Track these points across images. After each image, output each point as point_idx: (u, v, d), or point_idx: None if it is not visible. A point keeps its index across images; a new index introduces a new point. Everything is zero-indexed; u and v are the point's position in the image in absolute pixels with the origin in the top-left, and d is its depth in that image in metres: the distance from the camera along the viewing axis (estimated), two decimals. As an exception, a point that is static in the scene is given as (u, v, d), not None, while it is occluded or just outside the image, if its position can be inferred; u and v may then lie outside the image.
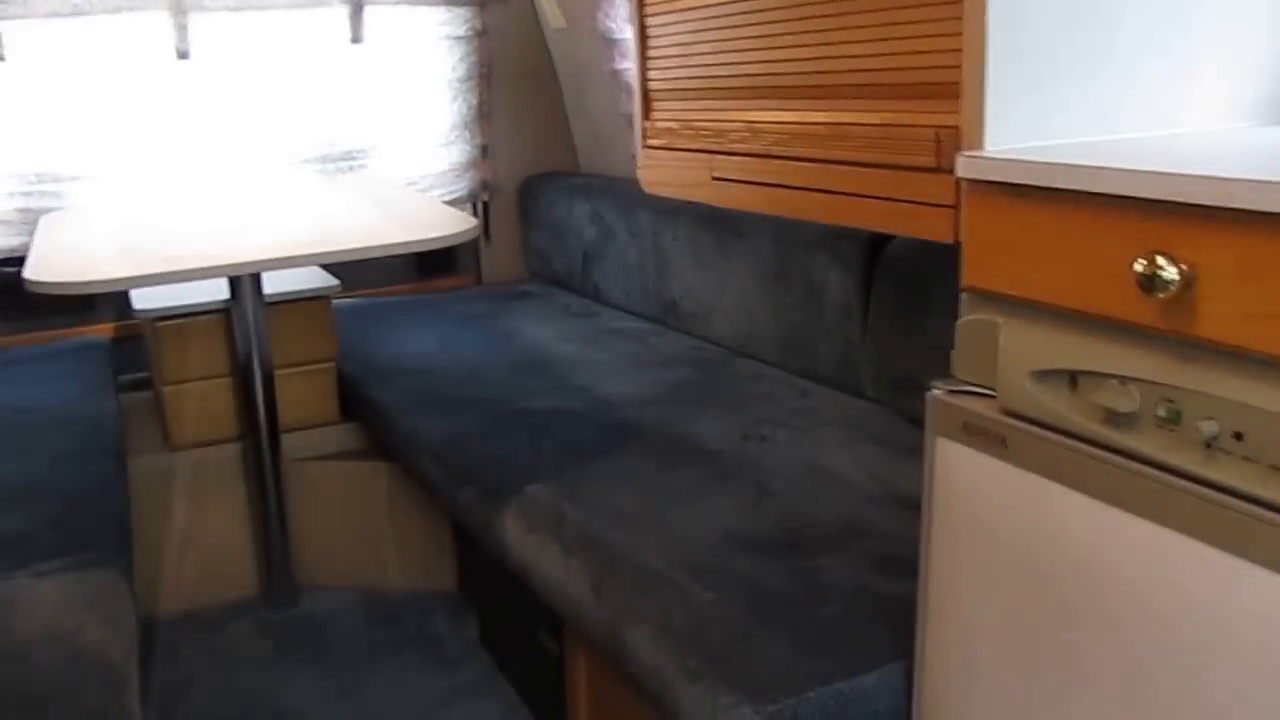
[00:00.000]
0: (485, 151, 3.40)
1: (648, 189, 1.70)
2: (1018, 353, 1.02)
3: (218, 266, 2.00)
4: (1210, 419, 0.84)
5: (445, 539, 2.69)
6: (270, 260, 2.01)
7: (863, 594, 1.41)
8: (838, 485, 1.75)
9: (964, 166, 1.02)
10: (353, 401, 2.66)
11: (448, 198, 3.34)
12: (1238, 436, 0.83)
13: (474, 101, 3.35)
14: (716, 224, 2.54)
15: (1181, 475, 0.87)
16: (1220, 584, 0.84)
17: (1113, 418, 0.92)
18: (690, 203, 2.30)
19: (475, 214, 3.48)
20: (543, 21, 3.31)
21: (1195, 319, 0.84)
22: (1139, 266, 0.85)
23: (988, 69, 1.02)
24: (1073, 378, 0.96)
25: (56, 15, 2.82)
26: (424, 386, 2.45)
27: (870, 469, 1.81)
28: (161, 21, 2.93)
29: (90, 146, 2.95)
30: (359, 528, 2.75)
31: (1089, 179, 0.89)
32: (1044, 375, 0.99)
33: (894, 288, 2.02)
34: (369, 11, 3.13)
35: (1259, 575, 0.81)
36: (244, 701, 2.27)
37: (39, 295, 2.98)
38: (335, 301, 3.13)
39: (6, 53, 2.81)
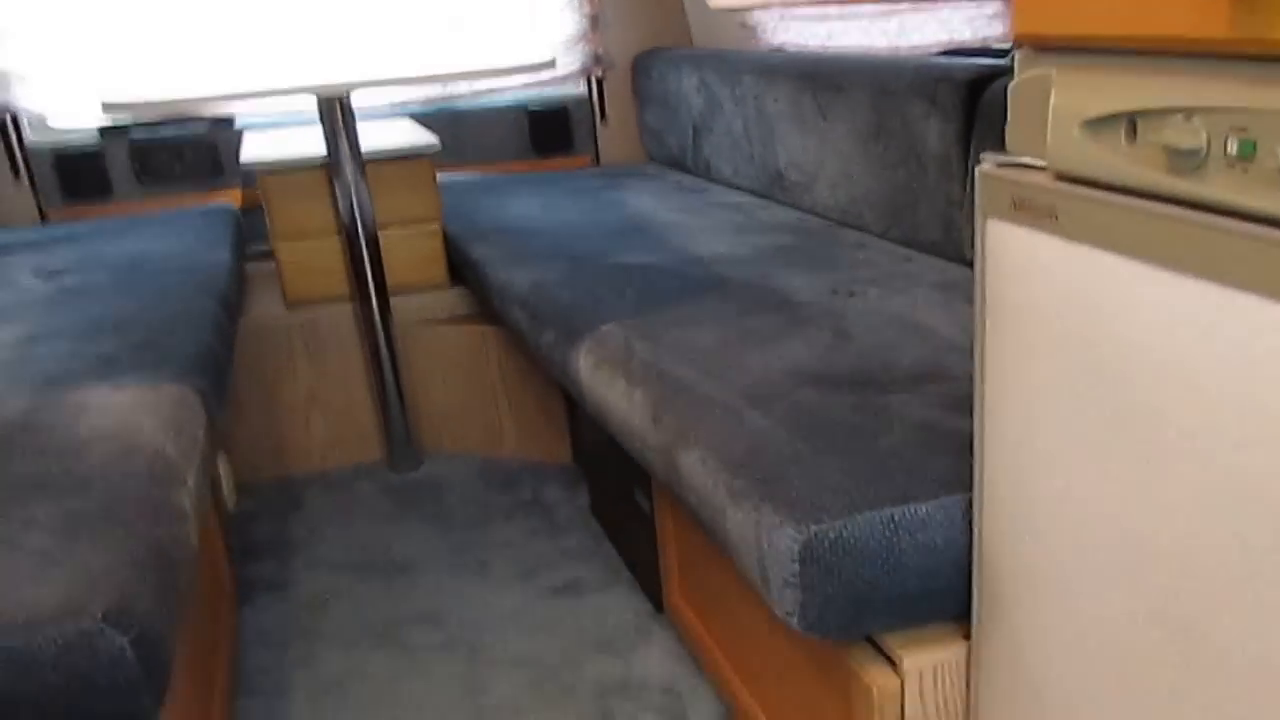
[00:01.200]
0: (595, 23, 3.29)
1: (711, 3, 1.58)
2: (1070, 105, 0.88)
3: (297, 88, 1.98)
4: (1286, 145, 0.71)
5: (557, 410, 2.68)
6: (336, 85, 1.97)
7: (928, 428, 1.30)
8: (922, 335, 1.63)
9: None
10: (461, 265, 2.65)
11: (559, 72, 3.27)
12: (1317, 162, 0.69)
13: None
14: (815, 81, 2.40)
15: (1255, 220, 0.74)
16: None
17: (1175, 161, 0.79)
18: (789, 62, 2.18)
19: (589, 91, 3.41)
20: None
21: (1271, 18, 0.70)
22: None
23: None
24: (1131, 123, 0.83)
25: None
26: (521, 244, 2.41)
27: (961, 324, 1.67)
28: None
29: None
30: (475, 395, 2.76)
31: None
32: (1099, 125, 0.86)
33: (994, 134, 1.87)
34: None
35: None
36: (363, 552, 2.35)
37: (173, 164, 3.09)
38: (449, 176, 3.12)
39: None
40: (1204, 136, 0.77)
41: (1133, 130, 0.83)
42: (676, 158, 3.23)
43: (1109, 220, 0.86)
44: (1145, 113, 0.82)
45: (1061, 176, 0.91)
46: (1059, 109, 0.90)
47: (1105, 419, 0.90)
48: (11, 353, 1.79)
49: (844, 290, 1.87)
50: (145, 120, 3.04)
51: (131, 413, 1.48)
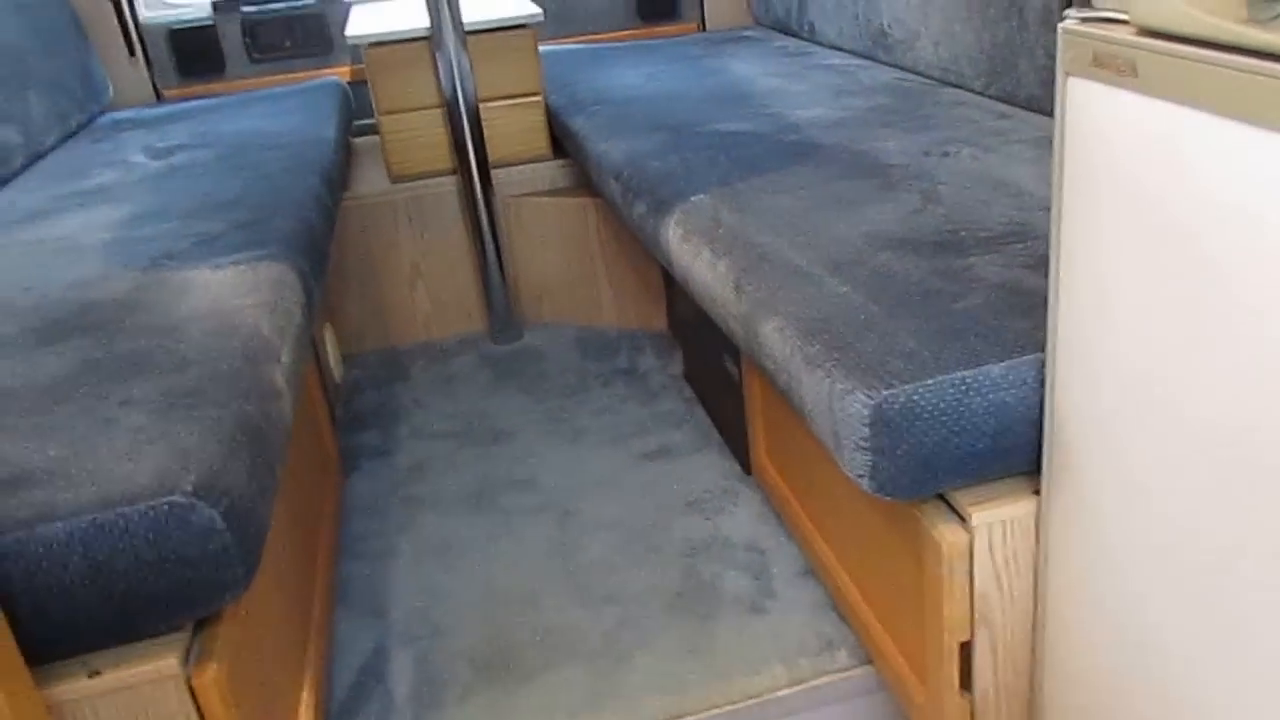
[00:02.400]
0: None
1: None
2: (1157, -46, 0.84)
3: None
4: (1366, -10, 0.67)
5: (654, 279, 2.69)
6: None
7: (1008, 289, 1.27)
8: (1012, 195, 1.58)
9: None
10: (562, 137, 2.64)
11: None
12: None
13: None
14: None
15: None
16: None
17: (1257, 11, 0.75)
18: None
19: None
20: None
21: None
22: None
23: None
24: (1215, -28, 0.79)
25: None
26: (619, 114, 2.39)
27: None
28: None
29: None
30: (575, 266, 2.78)
31: None
32: (1182, -25, 0.81)
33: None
34: None
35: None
36: (464, 421, 2.43)
37: (284, 39, 3.12)
38: (552, 45, 3.09)
39: None
40: (1286, -17, 0.72)
41: (1215, -22, 0.79)
42: (782, 20, 3.14)
43: (1191, 74, 0.82)
44: (1227, -41, 0.77)
45: (1143, 31, 0.87)
46: (1142, -41, 0.86)
47: (1179, 278, 0.87)
48: (120, 232, 1.85)
49: (937, 151, 1.83)
50: (256, -3, 3.08)
51: (230, 292, 1.52)
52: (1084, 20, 0.94)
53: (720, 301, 1.52)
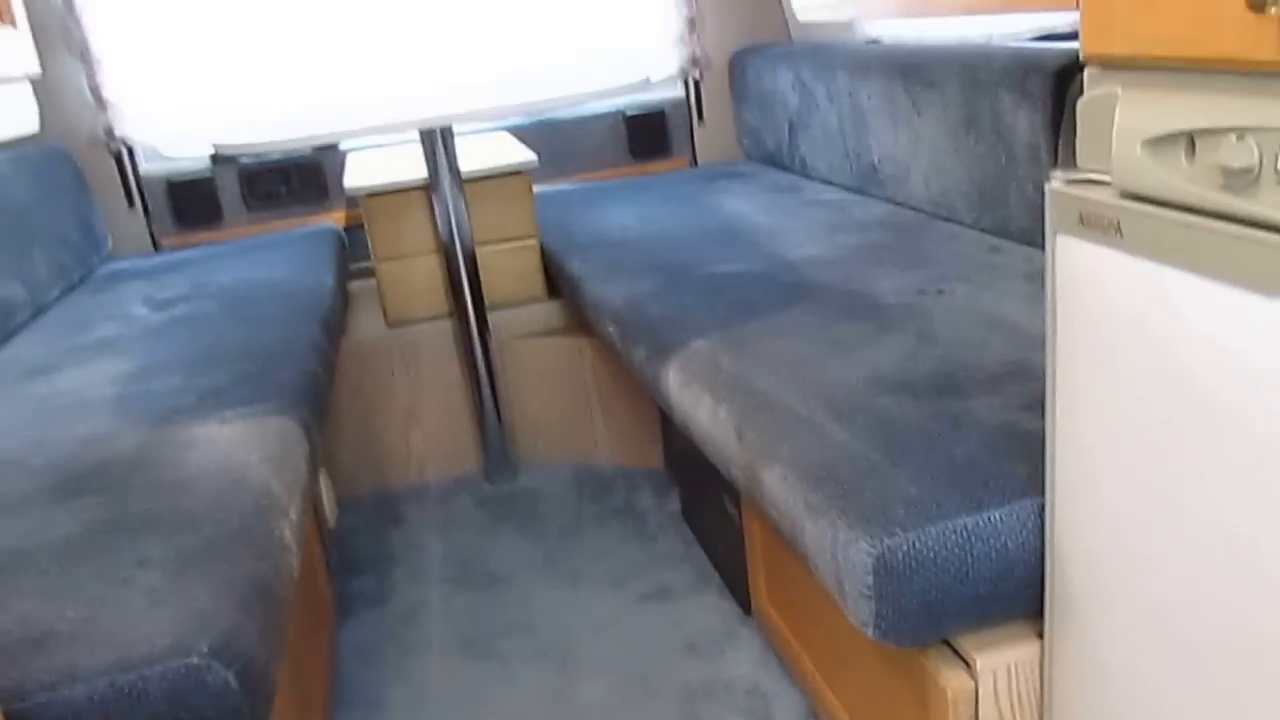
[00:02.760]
0: (692, 25, 3.28)
1: (800, 16, 1.59)
2: (1133, 123, 0.87)
3: (399, 123, 2.05)
4: (1336, 162, 0.69)
5: (650, 417, 2.71)
6: (436, 118, 2.03)
7: (1005, 432, 1.29)
8: (1008, 333, 1.61)
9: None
10: (558, 278, 2.69)
11: (658, 76, 3.28)
12: (1367, 179, 0.68)
13: (678, -29, 3.22)
14: (907, 75, 2.37)
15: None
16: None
17: (1230, 180, 0.78)
18: (881, 56, 2.17)
19: (686, 93, 3.41)
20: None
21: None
22: (1246, -19, 0.70)
23: None
24: (1190, 142, 0.82)
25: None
26: (615, 256, 2.43)
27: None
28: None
29: (305, 25, 3.04)
30: (570, 405, 2.80)
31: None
32: (1159, 144, 0.85)
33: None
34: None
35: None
36: (460, 565, 2.41)
37: (280, 186, 3.19)
38: (547, 186, 3.17)
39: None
40: (1256, 155, 0.75)
41: (1191, 149, 0.82)
42: (773, 155, 3.22)
43: (1170, 236, 0.85)
44: (1202, 132, 0.81)
45: (1126, 193, 0.90)
46: (1123, 127, 0.89)
47: (1172, 425, 0.89)
48: (126, 387, 1.87)
49: (931, 289, 1.86)
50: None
51: (237, 447, 1.54)
52: (1069, 181, 0.97)
53: (722, 447, 1.54)
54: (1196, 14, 0.78)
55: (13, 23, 1.27)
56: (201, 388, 1.81)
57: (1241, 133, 0.76)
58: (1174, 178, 0.83)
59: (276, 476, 1.47)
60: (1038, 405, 1.33)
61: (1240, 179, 0.77)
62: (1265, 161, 0.75)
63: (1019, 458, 1.23)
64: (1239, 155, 0.76)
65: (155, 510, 1.35)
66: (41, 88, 1.65)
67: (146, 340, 2.16)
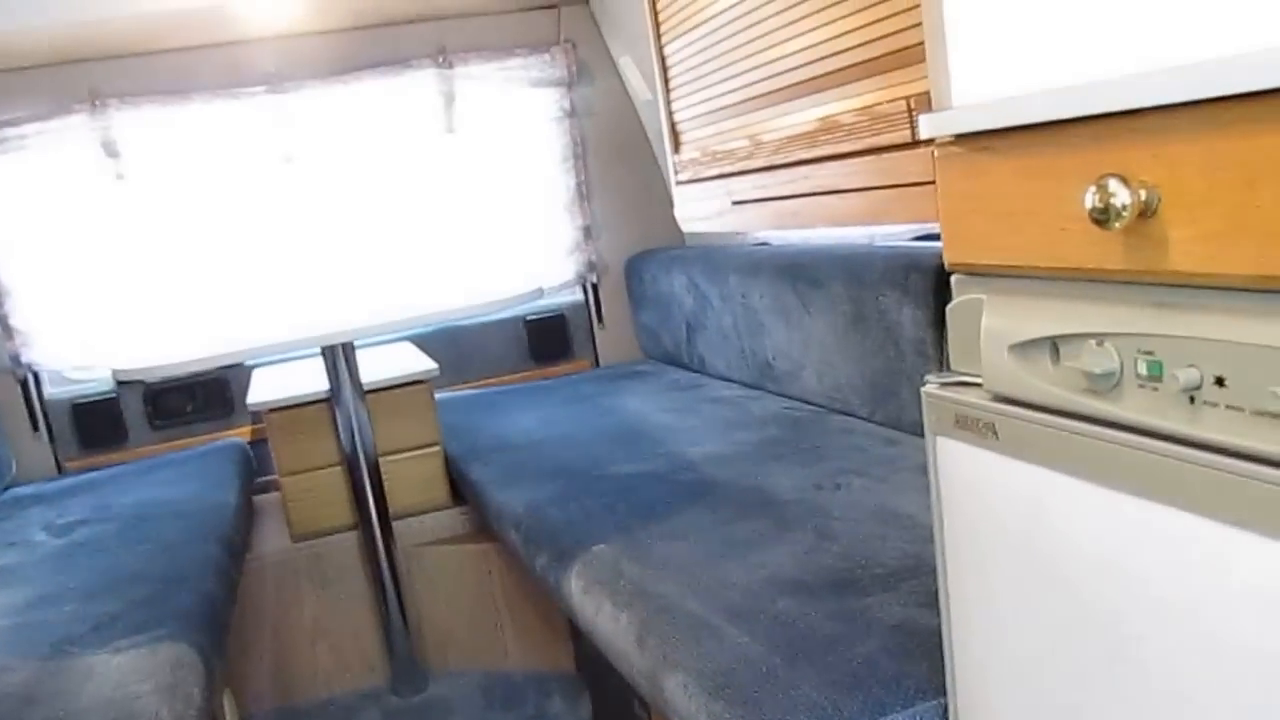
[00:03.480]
0: (588, 232, 3.35)
1: (684, 227, 1.63)
2: (999, 329, 0.88)
3: (300, 340, 2.03)
4: (1190, 366, 0.70)
5: (559, 621, 2.62)
6: (334, 335, 2.02)
7: (905, 630, 1.26)
8: (905, 527, 1.60)
9: (926, 125, 0.91)
10: (461, 484, 2.64)
11: (555, 281, 3.33)
12: (1220, 383, 0.68)
13: (572, 183, 3.30)
14: (794, 276, 2.43)
15: (1168, 439, 0.73)
16: (1218, 559, 0.69)
17: (1094, 384, 0.78)
18: (770, 258, 2.22)
19: (585, 296, 3.46)
20: (631, 95, 3.28)
21: (1161, 251, 0.70)
22: (1089, 197, 0.72)
23: (945, 25, 0.91)
24: (1054, 347, 0.83)
25: (168, 131, 2.97)
26: (517, 460, 2.40)
27: (948, 510, 1.65)
28: (265, 129, 3.05)
29: (207, 252, 3.07)
30: (478, 612, 2.71)
31: (1031, 108, 0.77)
32: (1025, 349, 0.85)
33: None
34: (459, 101, 3.17)
35: (1255, 543, 0.66)
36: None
37: (185, 403, 3.13)
38: (450, 392, 3.14)
39: (127, 170, 2.98)
40: (1116, 359, 0.76)
41: (1056, 354, 0.83)
42: (672, 354, 3.25)
43: (1042, 439, 0.84)
44: (1064, 337, 0.81)
45: (998, 396, 0.91)
46: (989, 332, 0.90)
47: (1059, 626, 0.87)
48: (19, 617, 1.79)
49: (829, 484, 1.85)
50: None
51: (130, 677, 1.47)
52: (944, 384, 0.97)
53: (624, 655, 1.48)
54: (1047, 228, 0.80)
55: None
56: (96, 615, 1.74)
57: (1101, 338, 0.77)
58: (1041, 382, 0.84)
59: (168, 706, 1.41)
60: (936, 601, 1.31)
61: (1103, 383, 0.77)
62: (1125, 366, 0.75)
63: (920, 656, 1.19)
64: (1100, 360, 0.77)
65: None
66: None
67: (44, 567, 2.08)
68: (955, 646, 1.04)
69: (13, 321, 2.96)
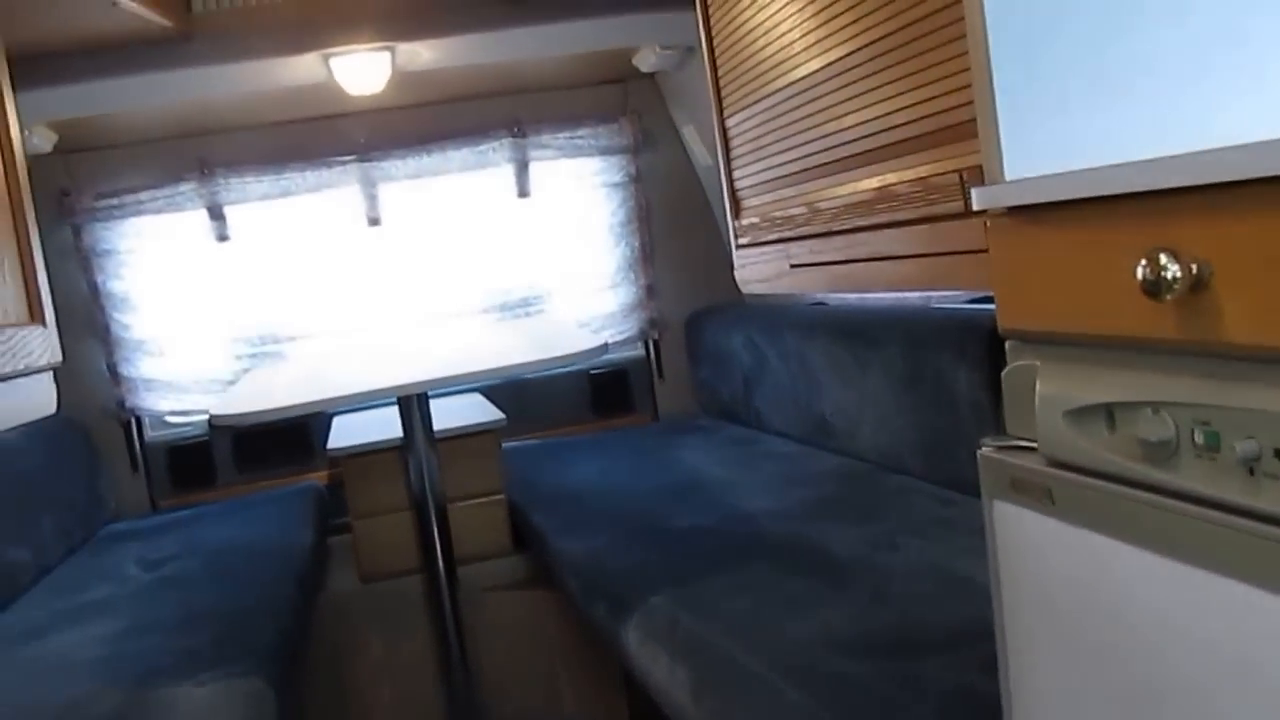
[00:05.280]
0: (650, 291, 3.36)
1: (743, 289, 1.63)
2: (1054, 394, 0.86)
3: (379, 390, 2.06)
4: (1249, 438, 0.67)
5: (614, 671, 2.59)
6: (409, 385, 2.05)
7: (961, 695, 1.22)
8: (963, 589, 1.55)
9: (978, 198, 0.89)
10: (523, 531, 2.63)
11: (619, 337, 3.33)
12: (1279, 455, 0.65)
13: (636, 244, 3.33)
14: (851, 336, 2.41)
15: (1226, 509, 0.70)
16: (1278, 630, 0.66)
17: (1151, 452, 0.75)
18: (827, 317, 2.20)
19: (647, 352, 3.46)
20: (694, 161, 3.30)
21: (1215, 323, 0.67)
22: (1141, 270, 0.70)
23: (996, 101, 0.89)
24: (1110, 413, 0.80)
25: (268, 198, 3.07)
26: (578, 510, 2.39)
27: (1003, 571, 1.60)
28: (355, 195, 3.13)
29: (300, 308, 3.15)
30: (535, 659, 2.70)
31: (1083, 184, 0.75)
32: (1080, 415, 0.83)
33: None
34: (533, 167, 3.22)
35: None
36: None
37: (270, 447, 3.18)
38: (515, 442, 3.15)
39: (230, 232, 3.08)
40: (1173, 428, 0.73)
41: (1111, 420, 0.80)
42: (730, 409, 3.23)
43: (1099, 505, 0.81)
44: (1119, 405, 0.79)
45: (1053, 461, 0.88)
46: (1044, 398, 0.88)
47: (1121, 692, 0.83)
48: (111, 647, 1.83)
49: (885, 543, 1.81)
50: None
51: (211, 711, 1.51)
52: (1000, 447, 0.94)
53: (679, 708, 1.45)
54: (1100, 297, 0.77)
55: (43, 321, 1.35)
56: (181, 648, 1.77)
57: (1157, 407, 0.75)
58: (1097, 448, 0.81)
59: None
60: (993, 667, 1.26)
61: (1159, 451, 0.74)
62: (1182, 434, 0.73)
63: (975, 721, 1.15)
64: (1156, 429, 0.74)
65: None
66: (62, 368, 1.69)
67: (135, 601, 2.12)
68: (1014, 712, 1.00)
69: (121, 370, 3.07)
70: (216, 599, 2.04)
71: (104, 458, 3.05)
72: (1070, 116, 0.88)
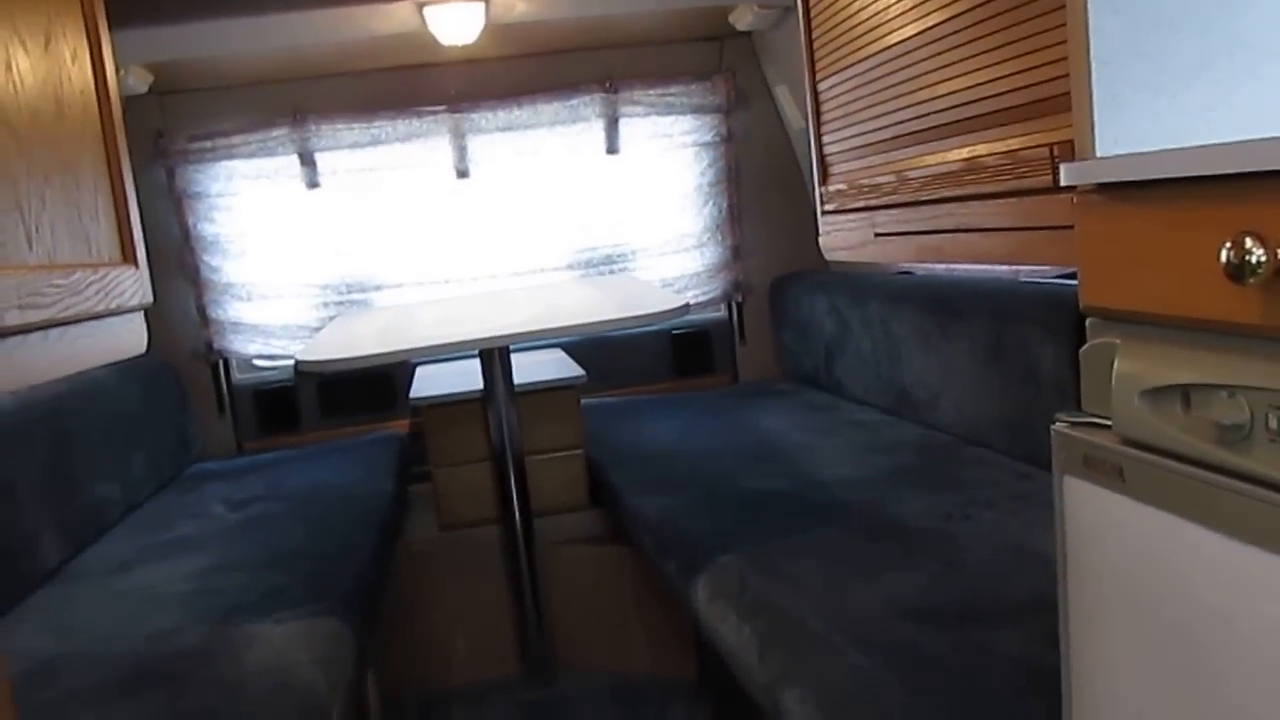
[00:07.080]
0: (736, 253, 3.37)
1: (828, 256, 1.64)
2: (1131, 373, 0.87)
3: (462, 341, 2.12)
4: (1324, 425, 0.68)
5: (686, 627, 2.64)
6: (492, 338, 2.09)
7: (1028, 667, 1.23)
8: (1035, 562, 1.56)
9: (1067, 174, 0.90)
10: (600, 487, 2.68)
11: (703, 298, 3.35)
12: (1353, 442, 0.66)
13: (724, 205, 3.33)
14: (937, 307, 2.40)
15: (1298, 494, 0.71)
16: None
17: (1224, 435, 0.76)
18: (913, 287, 2.20)
19: (729, 314, 3.48)
20: (785, 123, 3.29)
21: (1299, 310, 0.68)
22: (1225, 253, 0.70)
23: (1092, 76, 0.90)
24: (1185, 395, 0.81)
25: (358, 146, 3.13)
26: (655, 468, 2.43)
27: (1079, 548, 1.60)
28: (444, 146, 3.18)
29: (386, 257, 3.22)
30: (609, 613, 2.75)
31: (1172, 163, 0.76)
32: (1156, 395, 0.84)
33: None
34: (623, 124, 3.24)
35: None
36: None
37: (354, 395, 3.28)
38: (595, 399, 3.20)
39: (321, 179, 3.15)
40: (1247, 412, 0.74)
41: (1186, 402, 0.81)
42: (810, 375, 3.24)
43: (1170, 486, 0.82)
44: (1195, 387, 0.80)
45: (1127, 440, 0.89)
46: (1121, 376, 0.89)
47: (1180, 672, 0.84)
48: (196, 583, 1.91)
49: (959, 514, 1.82)
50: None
51: (290, 648, 1.56)
52: (1074, 423, 0.96)
53: (745, 666, 1.49)
54: (1182, 278, 0.78)
55: (135, 262, 1.41)
56: (264, 587, 1.84)
57: (1233, 390, 0.75)
58: (1171, 429, 0.82)
59: (324, 679, 1.49)
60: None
61: (1233, 434, 0.75)
62: (1256, 419, 0.73)
63: (1039, 695, 1.17)
64: (1231, 412, 0.75)
65: (211, 709, 1.36)
66: (152, 309, 1.75)
67: (221, 539, 2.20)
68: (1074, 689, 1.02)
69: (210, 312, 3.17)
70: (299, 541, 2.12)
71: (192, 399, 3.16)
72: (1165, 95, 0.88)
